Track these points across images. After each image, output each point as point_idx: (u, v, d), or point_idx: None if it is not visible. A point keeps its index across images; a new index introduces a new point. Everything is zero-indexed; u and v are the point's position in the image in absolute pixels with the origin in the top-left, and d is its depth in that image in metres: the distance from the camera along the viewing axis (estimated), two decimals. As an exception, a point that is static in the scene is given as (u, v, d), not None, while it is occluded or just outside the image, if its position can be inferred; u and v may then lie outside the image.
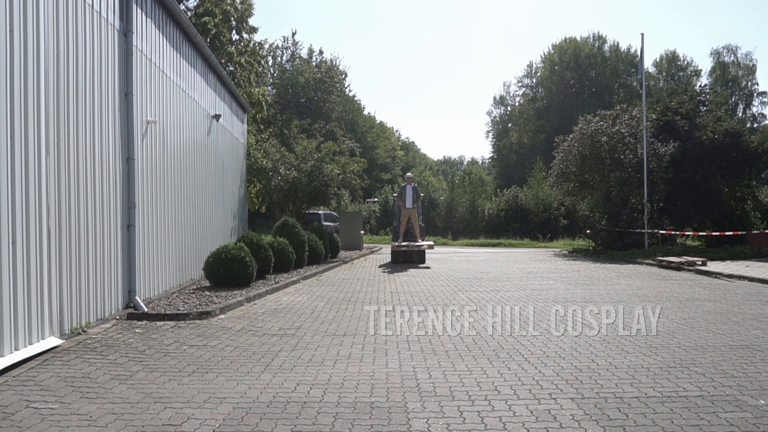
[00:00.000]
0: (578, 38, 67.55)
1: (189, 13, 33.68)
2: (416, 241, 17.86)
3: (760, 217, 22.71)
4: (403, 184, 18.41)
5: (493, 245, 32.77)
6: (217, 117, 14.34)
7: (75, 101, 7.06)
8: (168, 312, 8.02)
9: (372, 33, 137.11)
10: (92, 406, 4.33)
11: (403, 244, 17.53)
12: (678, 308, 8.90)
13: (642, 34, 22.17)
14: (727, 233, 19.38)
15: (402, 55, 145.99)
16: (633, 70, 62.50)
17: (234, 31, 37.59)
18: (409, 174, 18.91)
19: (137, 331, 7.08)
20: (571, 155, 24.54)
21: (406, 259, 17.77)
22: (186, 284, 11.27)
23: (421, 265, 17.00)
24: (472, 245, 33.19)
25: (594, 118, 24.98)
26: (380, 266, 16.87)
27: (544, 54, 70.60)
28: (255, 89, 35.12)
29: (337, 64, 61.17)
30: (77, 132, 7.10)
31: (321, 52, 62.24)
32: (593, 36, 67.71)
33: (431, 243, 18.38)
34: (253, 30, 38.66)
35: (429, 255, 20.11)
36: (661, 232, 20.79)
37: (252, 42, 38.62)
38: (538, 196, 39.45)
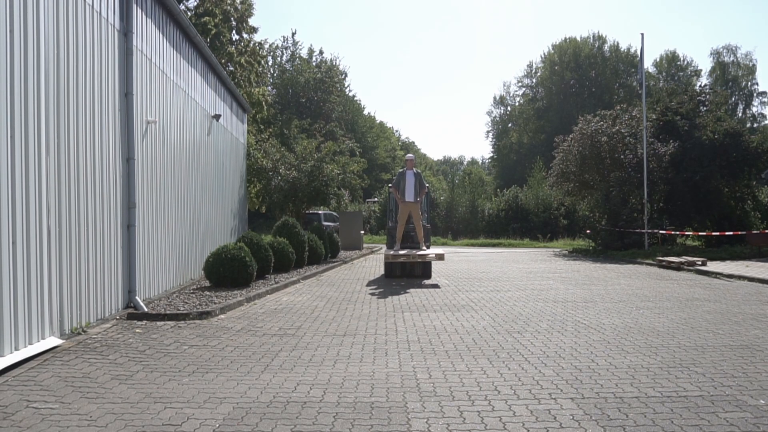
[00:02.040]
0: (578, 38, 67.60)
1: (189, 13, 33.68)
2: (419, 248, 13.17)
3: (760, 217, 22.73)
4: (401, 170, 13.43)
5: (493, 245, 32.78)
6: (217, 117, 14.34)
7: (75, 101, 7.06)
8: (168, 312, 8.02)
9: (372, 33, 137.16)
10: (92, 406, 4.33)
11: (401, 252, 12.77)
12: (678, 308, 8.90)
13: (642, 34, 22.19)
14: (727, 233, 19.39)
15: (402, 55, 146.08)
16: (633, 70, 62.48)
17: (234, 31, 37.54)
18: (409, 156, 13.70)
19: (137, 331, 7.08)
20: (571, 155, 24.57)
21: (405, 273, 13.57)
22: (186, 284, 11.27)
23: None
24: (472, 245, 33.19)
25: (594, 118, 25.02)
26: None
27: (544, 54, 70.67)
28: (255, 89, 35.11)
29: (337, 64, 61.21)
30: (77, 132, 7.10)
31: (321, 52, 62.31)
32: (593, 36, 67.78)
33: (441, 252, 13.33)
34: (253, 30, 38.63)
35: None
36: (661, 232, 20.81)
37: (252, 42, 38.58)
38: (538, 196, 39.49)
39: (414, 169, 13.29)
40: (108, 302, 7.86)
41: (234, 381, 4.99)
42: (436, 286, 11.87)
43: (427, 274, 13.54)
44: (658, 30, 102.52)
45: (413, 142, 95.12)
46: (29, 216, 5.93)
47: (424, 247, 13.21)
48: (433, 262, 14.95)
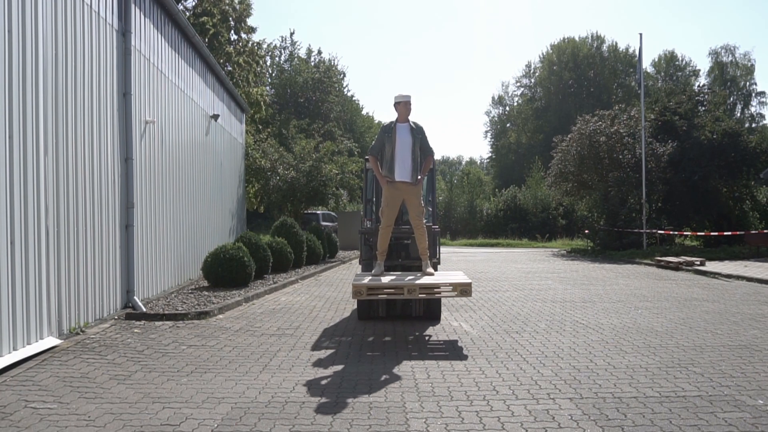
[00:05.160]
0: (577, 38, 67.55)
1: (187, 13, 33.62)
2: (422, 268, 7.18)
3: (759, 217, 22.77)
4: (388, 122, 7.27)
5: (492, 245, 32.80)
6: (215, 117, 14.33)
7: (73, 101, 7.05)
8: (166, 312, 8.02)
9: (370, 33, 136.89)
10: (90, 406, 4.33)
11: (386, 279, 6.72)
12: (676, 308, 8.91)
13: (640, 34, 22.21)
14: (725, 233, 19.42)
15: (400, 55, 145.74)
16: (631, 70, 62.43)
17: (232, 31, 37.49)
18: (403, 95, 7.20)
19: (135, 331, 7.07)
20: (569, 155, 24.58)
21: (395, 311, 7.98)
22: (184, 284, 11.26)
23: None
24: (471, 245, 33.20)
25: (592, 118, 25.04)
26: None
27: (543, 54, 70.60)
28: (253, 89, 35.07)
29: (336, 64, 61.13)
30: (76, 132, 7.09)
31: (319, 52, 62.18)
32: (592, 36, 67.72)
33: (464, 279, 6.66)
34: (252, 30, 38.57)
35: None
36: (659, 232, 20.83)
37: (250, 42, 38.53)
38: (536, 196, 39.53)
39: (410, 121, 7.19)
40: (106, 302, 7.85)
41: (232, 381, 4.99)
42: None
43: (434, 314, 7.87)
44: (656, 30, 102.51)
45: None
46: (27, 216, 5.92)
47: (430, 269, 7.11)
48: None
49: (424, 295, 6.56)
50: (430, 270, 7.09)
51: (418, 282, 6.56)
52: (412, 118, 7.22)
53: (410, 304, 7.90)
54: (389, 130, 7.17)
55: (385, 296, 6.58)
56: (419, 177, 7.13)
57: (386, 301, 7.77)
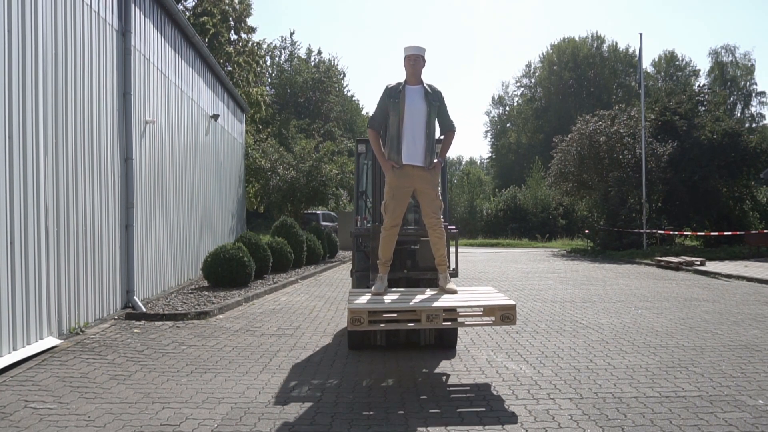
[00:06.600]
0: (577, 38, 67.51)
1: (187, 13, 33.61)
2: (439, 282, 5.33)
3: (759, 217, 22.77)
4: (395, 84, 5.38)
5: (492, 245, 32.78)
6: (215, 117, 14.32)
7: (73, 101, 7.05)
8: (166, 312, 8.01)
9: (370, 33, 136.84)
10: (90, 406, 4.32)
11: (389, 299, 4.91)
12: (676, 308, 8.91)
13: (640, 34, 22.22)
14: (725, 233, 19.41)
15: (401, 55, 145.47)
16: (631, 70, 62.40)
17: (232, 31, 37.50)
18: (412, 47, 5.40)
19: (135, 331, 7.07)
20: (569, 155, 24.58)
21: (393, 339, 6.08)
22: (184, 284, 11.25)
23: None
24: (471, 245, 33.18)
25: (592, 118, 25.04)
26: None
27: (543, 54, 70.54)
28: (253, 89, 35.08)
29: (336, 64, 61.13)
30: (75, 132, 7.09)
31: (319, 52, 62.16)
32: (592, 36, 67.67)
33: (501, 299, 5.05)
34: (252, 30, 38.58)
35: None
36: (659, 232, 20.82)
37: (250, 42, 38.55)
38: (536, 196, 39.54)
39: (424, 83, 5.46)
40: (106, 302, 7.85)
41: (232, 381, 4.99)
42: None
43: (449, 342, 6.08)
44: (656, 30, 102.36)
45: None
46: (27, 216, 5.92)
47: (452, 284, 5.31)
48: None
49: (449, 323, 4.82)
50: (452, 286, 5.22)
51: (440, 304, 4.69)
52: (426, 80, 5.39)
53: (418, 336, 6.04)
54: (395, 94, 5.28)
55: (393, 325, 4.83)
56: (436, 160, 5.32)
57: (386, 336, 6.06)
